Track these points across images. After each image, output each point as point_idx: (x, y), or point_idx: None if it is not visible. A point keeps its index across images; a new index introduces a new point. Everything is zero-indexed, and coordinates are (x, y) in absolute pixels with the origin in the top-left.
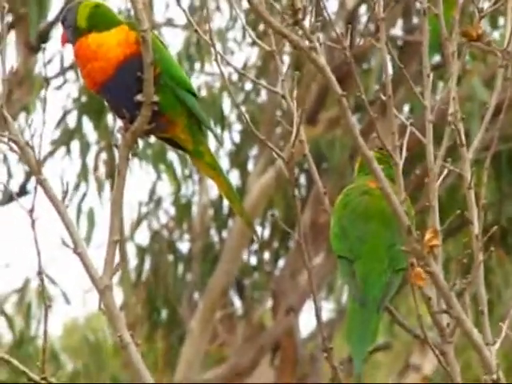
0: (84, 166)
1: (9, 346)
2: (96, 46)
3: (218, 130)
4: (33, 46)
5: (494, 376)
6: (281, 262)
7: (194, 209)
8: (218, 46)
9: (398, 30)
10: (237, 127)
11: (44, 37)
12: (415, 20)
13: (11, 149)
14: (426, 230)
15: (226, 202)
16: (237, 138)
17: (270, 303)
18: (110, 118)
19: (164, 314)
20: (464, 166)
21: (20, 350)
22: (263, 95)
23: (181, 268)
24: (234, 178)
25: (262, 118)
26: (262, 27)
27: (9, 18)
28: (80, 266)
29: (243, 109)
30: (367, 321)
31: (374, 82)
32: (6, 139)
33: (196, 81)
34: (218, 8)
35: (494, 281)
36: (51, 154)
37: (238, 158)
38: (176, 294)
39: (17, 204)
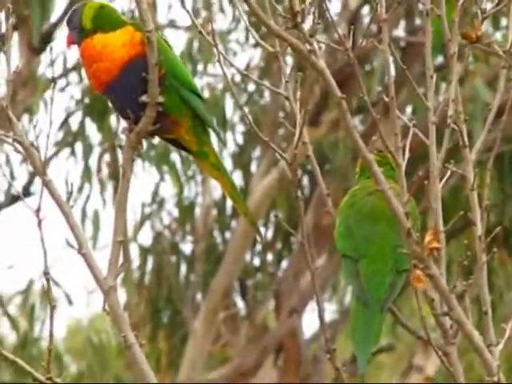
0: (87, 167)
1: (13, 347)
2: (101, 47)
3: (221, 132)
4: (35, 47)
5: (495, 378)
6: (284, 263)
7: (197, 210)
8: (221, 47)
9: (400, 31)
10: (240, 128)
11: (47, 38)
12: (418, 21)
13: (16, 149)
14: (426, 232)
15: (229, 203)
16: (240, 140)
17: (273, 304)
18: (113, 119)
19: (167, 314)
20: (467, 167)
21: (24, 352)
22: (266, 96)
23: (184, 269)
24: (237, 179)
25: (265, 120)
26: (264, 29)
27: (12, 20)
28: (84, 267)
29: (246, 110)
30: (370, 321)
31: (376, 84)
32: (10, 140)
33: (199, 82)
34: (221, 9)
35: (496, 282)
36: (55, 155)
37: (241, 159)
38: (179, 294)
39: (20, 206)
